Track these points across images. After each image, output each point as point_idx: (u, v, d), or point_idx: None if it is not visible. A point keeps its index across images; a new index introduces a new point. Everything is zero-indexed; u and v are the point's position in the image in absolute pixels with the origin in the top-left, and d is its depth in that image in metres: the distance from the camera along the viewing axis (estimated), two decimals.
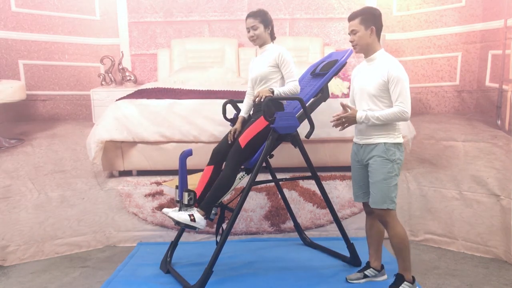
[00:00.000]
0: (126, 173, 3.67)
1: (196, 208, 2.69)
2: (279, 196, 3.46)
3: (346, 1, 3.68)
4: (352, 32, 2.49)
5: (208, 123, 3.53)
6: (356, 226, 3.61)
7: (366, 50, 2.51)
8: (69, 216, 3.49)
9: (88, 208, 3.56)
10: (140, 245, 3.55)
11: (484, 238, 3.27)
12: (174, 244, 3.10)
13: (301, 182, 3.67)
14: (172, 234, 3.41)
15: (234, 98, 3.13)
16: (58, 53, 3.49)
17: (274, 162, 3.26)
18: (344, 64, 2.95)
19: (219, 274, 2.77)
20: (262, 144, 2.74)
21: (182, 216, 2.63)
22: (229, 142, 2.85)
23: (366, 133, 2.52)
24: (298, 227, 3.51)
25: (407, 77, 2.42)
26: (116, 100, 3.59)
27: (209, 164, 2.88)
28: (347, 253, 3.05)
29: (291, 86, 2.76)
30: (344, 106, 2.51)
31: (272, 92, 2.70)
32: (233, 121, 3.08)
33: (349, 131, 3.52)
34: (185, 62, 3.76)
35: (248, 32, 2.86)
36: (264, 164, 2.90)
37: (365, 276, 2.78)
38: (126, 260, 3.23)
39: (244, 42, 3.77)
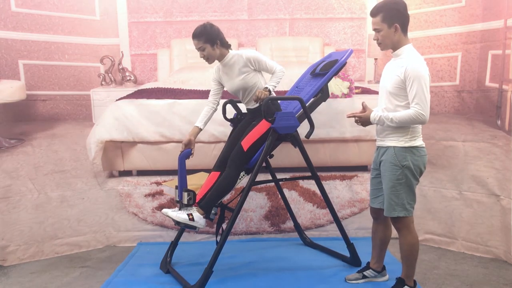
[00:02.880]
0: (126, 173, 3.67)
1: (195, 208, 2.69)
2: (279, 196, 3.46)
3: (346, 1, 3.68)
4: (375, 30, 2.33)
5: (208, 123, 3.52)
6: (356, 226, 3.61)
7: (392, 47, 2.35)
8: (69, 216, 3.49)
9: (88, 208, 3.56)
10: (140, 245, 3.55)
11: (484, 238, 3.27)
12: (174, 244, 3.10)
13: (301, 182, 3.67)
14: (172, 234, 3.41)
15: (234, 98, 3.13)
16: (58, 53, 3.49)
17: (274, 162, 3.26)
18: (344, 64, 2.95)
19: (219, 274, 2.76)
20: (263, 145, 2.74)
21: (181, 215, 2.63)
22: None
23: (380, 134, 2.43)
24: (298, 227, 3.51)
25: (427, 77, 2.24)
26: (116, 100, 3.59)
27: (215, 170, 2.87)
28: (347, 253, 3.05)
29: (278, 74, 2.75)
30: (363, 105, 2.42)
31: (269, 91, 2.70)
32: (233, 121, 3.08)
33: (349, 131, 3.55)
34: (185, 62, 3.76)
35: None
36: (264, 164, 2.90)
37: (364, 277, 2.76)
38: (126, 260, 3.23)
39: (244, 42, 3.77)
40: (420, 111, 2.22)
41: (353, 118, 2.46)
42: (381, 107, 2.43)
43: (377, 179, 2.54)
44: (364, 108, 2.42)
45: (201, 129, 2.90)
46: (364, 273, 2.77)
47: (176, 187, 2.75)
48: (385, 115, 2.30)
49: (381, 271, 2.77)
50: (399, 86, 2.28)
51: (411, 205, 2.39)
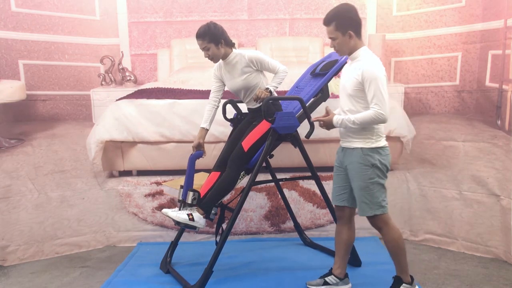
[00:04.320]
0: (126, 173, 3.67)
1: (195, 208, 2.69)
2: (279, 196, 3.46)
3: (346, 1, 3.67)
4: (331, 39, 2.39)
5: None
6: (356, 226, 3.56)
7: (349, 52, 2.41)
8: (69, 216, 3.49)
9: (88, 208, 3.56)
10: (140, 245, 3.55)
11: (484, 238, 3.26)
12: (174, 244, 3.10)
13: (301, 182, 3.67)
14: (172, 234, 3.41)
15: (234, 98, 3.12)
16: (58, 53, 3.49)
17: (274, 162, 3.26)
18: (344, 64, 2.95)
19: (219, 274, 2.76)
20: (263, 145, 2.74)
21: (181, 215, 2.63)
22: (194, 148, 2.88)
23: (345, 136, 2.47)
24: (298, 227, 3.51)
25: (384, 77, 2.29)
26: (116, 100, 3.59)
27: (215, 170, 2.87)
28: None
29: (280, 75, 2.76)
30: (326, 110, 2.49)
31: (270, 92, 2.70)
32: (233, 121, 3.08)
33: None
34: (185, 62, 3.76)
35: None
36: (264, 164, 2.90)
37: (325, 283, 2.67)
38: (126, 260, 3.23)
39: (244, 42, 3.77)
40: (379, 111, 2.26)
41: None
42: (344, 109, 2.45)
43: (341, 176, 2.55)
44: (328, 112, 2.48)
45: (207, 130, 2.92)
46: (326, 279, 2.68)
47: (181, 187, 2.76)
48: (346, 118, 2.35)
49: (343, 278, 2.68)
50: (358, 88, 2.33)
51: (385, 201, 2.42)
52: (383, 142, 2.41)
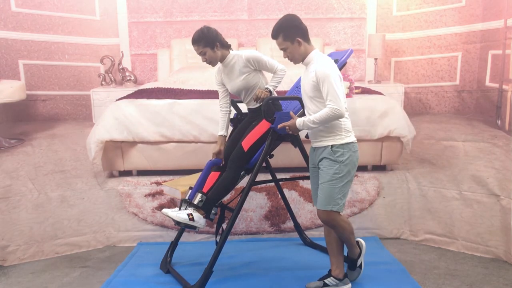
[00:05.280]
0: (126, 173, 3.67)
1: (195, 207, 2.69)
2: (279, 196, 3.46)
3: (346, 1, 3.68)
4: (282, 50, 2.48)
5: (208, 123, 3.53)
6: (356, 226, 3.58)
7: (302, 59, 2.48)
8: (69, 216, 3.49)
9: (88, 208, 3.56)
10: (140, 245, 3.55)
11: (484, 238, 3.26)
12: (174, 244, 3.10)
13: (301, 182, 3.67)
14: (172, 234, 3.41)
15: (234, 98, 3.13)
16: (58, 53, 3.49)
17: (274, 162, 3.26)
18: (344, 64, 2.95)
19: (219, 274, 2.76)
20: (263, 145, 2.74)
21: (181, 215, 2.63)
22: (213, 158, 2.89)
23: (315, 136, 2.50)
24: (298, 227, 3.51)
25: (335, 74, 2.36)
26: (116, 100, 3.59)
27: (215, 170, 2.87)
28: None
29: (279, 74, 2.77)
30: (290, 115, 2.54)
31: (270, 92, 2.70)
32: (233, 121, 3.08)
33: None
34: (185, 62, 3.76)
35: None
36: (264, 164, 2.90)
37: (325, 285, 2.66)
38: (126, 260, 3.23)
39: (244, 42, 3.77)
40: (334, 107, 2.32)
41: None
42: (310, 112, 2.49)
43: (317, 177, 2.56)
44: (292, 117, 2.53)
45: (225, 136, 2.94)
46: (325, 281, 2.66)
47: (190, 188, 2.79)
48: (307, 119, 2.42)
49: (343, 278, 2.67)
50: (316, 89, 2.40)
51: (343, 201, 2.46)
52: (352, 138, 2.46)
